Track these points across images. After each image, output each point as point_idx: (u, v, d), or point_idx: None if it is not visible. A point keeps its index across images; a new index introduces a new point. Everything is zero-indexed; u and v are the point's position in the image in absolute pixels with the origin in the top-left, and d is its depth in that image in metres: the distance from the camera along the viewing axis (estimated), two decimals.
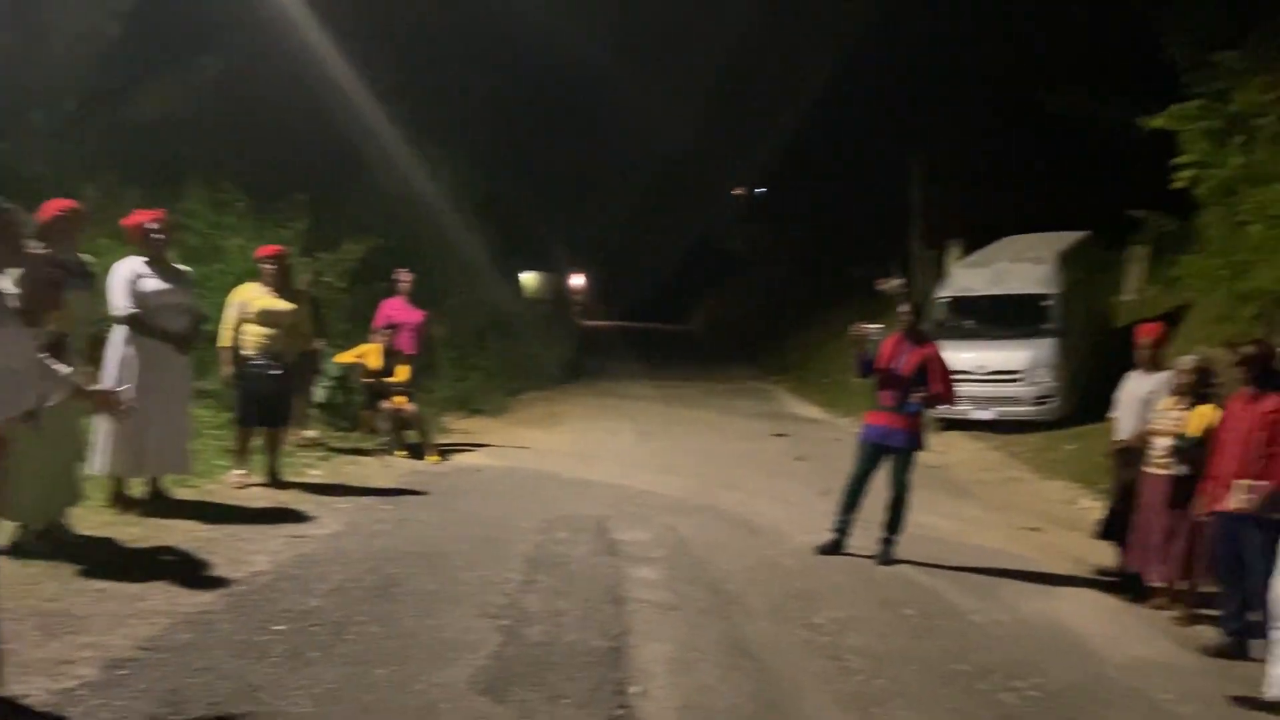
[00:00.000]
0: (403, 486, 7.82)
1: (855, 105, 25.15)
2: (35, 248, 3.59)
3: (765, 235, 39.11)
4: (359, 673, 3.91)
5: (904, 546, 6.66)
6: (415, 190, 17.87)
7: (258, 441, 7.40)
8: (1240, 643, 5.26)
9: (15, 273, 3.40)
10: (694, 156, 37.38)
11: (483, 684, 3.92)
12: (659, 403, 16.20)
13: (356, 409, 9.95)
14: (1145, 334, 6.67)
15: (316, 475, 7.98)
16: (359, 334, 10.73)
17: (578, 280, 43.35)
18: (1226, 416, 5.46)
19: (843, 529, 6.75)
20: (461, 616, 4.72)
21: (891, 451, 6.64)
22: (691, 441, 12.07)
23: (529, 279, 31.04)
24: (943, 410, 7.15)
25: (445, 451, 9.56)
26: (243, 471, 7.22)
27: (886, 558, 6.58)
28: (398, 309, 9.79)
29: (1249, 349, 5.39)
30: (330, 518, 6.50)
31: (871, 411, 6.80)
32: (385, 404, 9.29)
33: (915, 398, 6.56)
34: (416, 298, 9.95)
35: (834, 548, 6.70)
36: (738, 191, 46.85)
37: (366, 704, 3.64)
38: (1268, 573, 4.67)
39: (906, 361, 6.58)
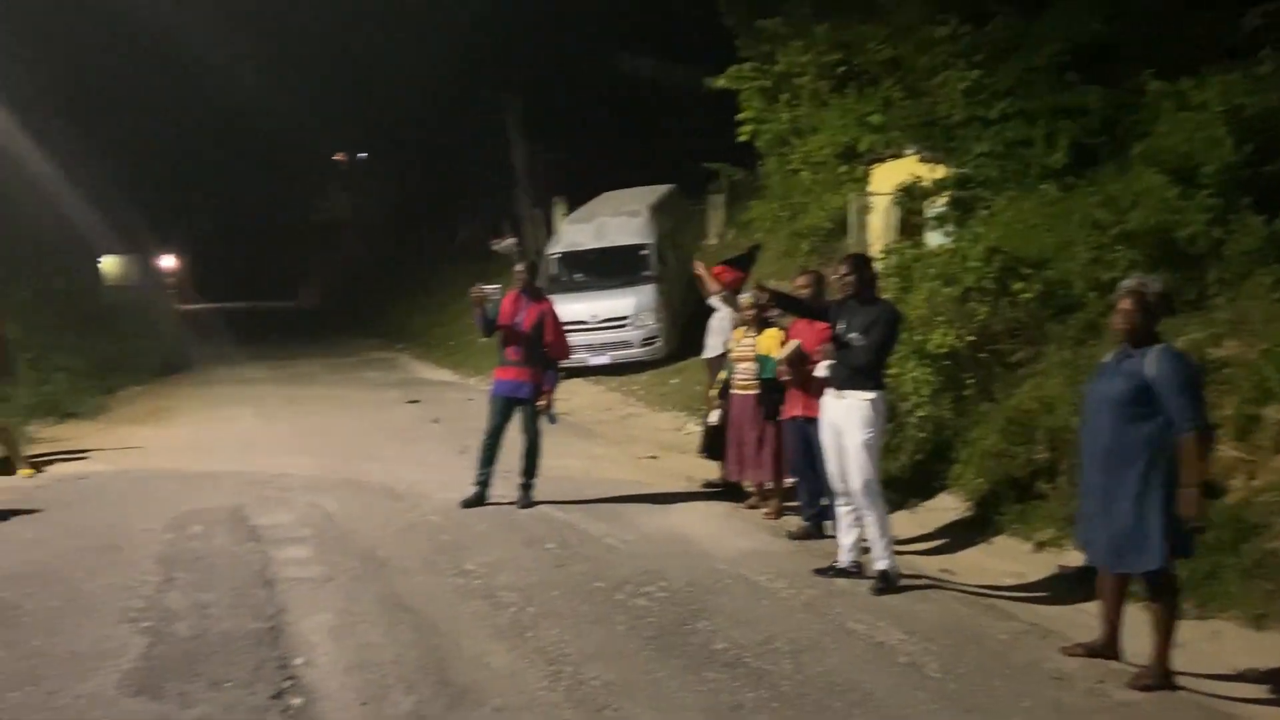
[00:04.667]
0: None
1: (454, 66, 25.23)
2: None
3: (370, 201, 38.25)
4: None
5: (541, 489, 7.20)
6: None
7: None
8: (817, 525, 6.40)
9: None
10: (288, 124, 35.42)
11: (134, 686, 3.82)
12: (279, 383, 15.54)
13: None
14: (721, 276, 7.82)
15: None
16: None
17: (169, 262, 39.51)
18: (793, 338, 6.54)
19: (484, 481, 7.14)
20: (96, 627, 4.48)
21: (521, 403, 7.11)
22: (321, 419, 11.83)
23: (111, 263, 27.84)
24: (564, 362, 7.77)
25: (39, 463, 8.62)
26: None
27: (526, 501, 7.08)
28: None
29: (796, 282, 6.48)
30: None
31: (499, 367, 7.22)
32: None
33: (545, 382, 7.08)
34: None
35: (477, 500, 7.08)
36: (339, 157, 45.18)
37: None
38: None
39: (526, 317, 7.06)
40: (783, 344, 6.47)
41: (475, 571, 5.50)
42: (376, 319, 25.94)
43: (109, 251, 26.89)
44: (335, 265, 41.09)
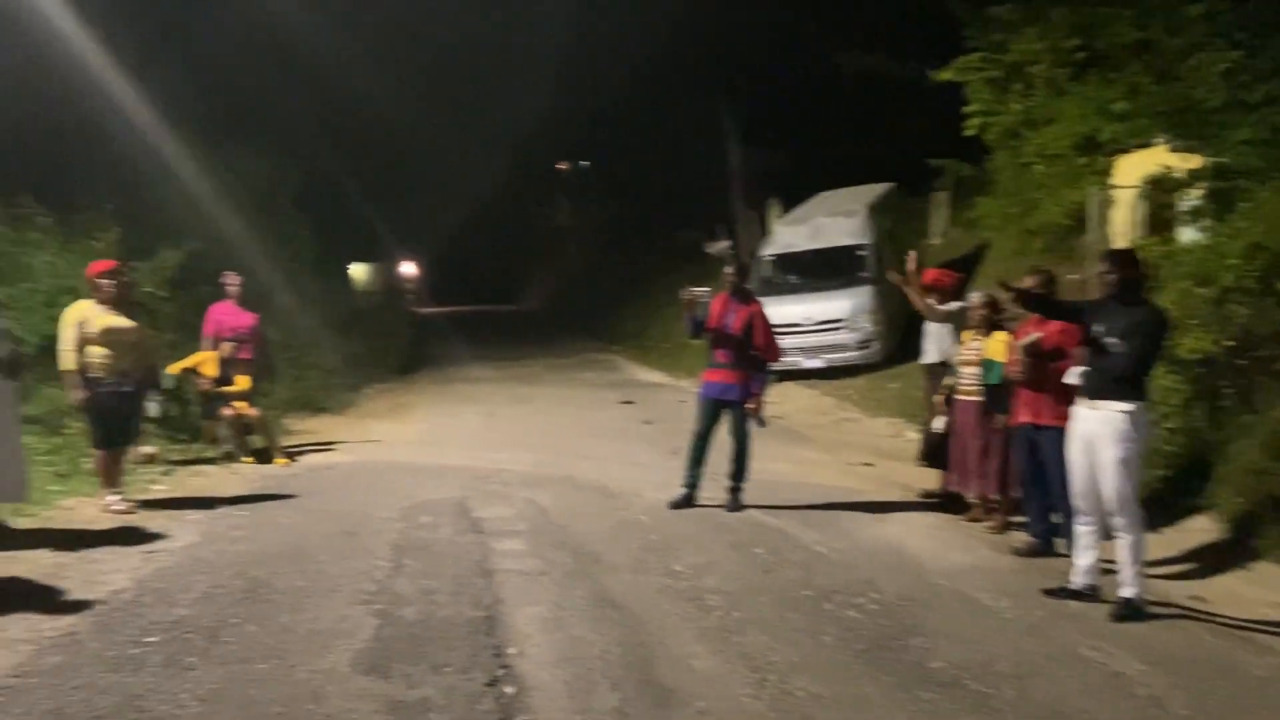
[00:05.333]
0: (254, 492, 7.72)
1: (670, 73, 25.63)
2: None
3: (592, 207, 39.48)
4: (240, 670, 3.99)
5: (750, 493, 7.15)
6: (229, 189, 17.21)
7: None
8: (1047, 542, 5.98)
9: None
10: (516, 133, 37.21)
11: (365, 665, 4.08)
12: (503, 383, 16.33)
13: (195, 420, 9.66)
14: (927, 278, 7.49)
15: (161, 490, 7.76)
16: (188, 343, 10.38)
17: (408, 268, 42.52)
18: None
19: (692, 483, 7.17)
20: (334, 607, 4.83)
21: (729, 405, 7.08)
22: (539, 417, 12.31)
23: (358, 270, 30.29)
24: (778, 364, 7.70)
25: (293, 453, 9.44)
26: (118, 495, 6.97)
27: (734, 505, 7.04)
28: (228, 313, 9.54)
29: (1024, 282, 6.07)
30: (184, 530, 6.39)
31: (708, 369, 7.22)
32: (225, 411, 9.08)
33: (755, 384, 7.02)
34: (245, 300, 9.71)
35: (685, 502, 7.12)
36: (562, 166, 46.97)
37: (252, 697, 3.73)
38: (1065, 477, 5.34)
39: (735, 320, 7.02)
40: (1011, 348, 6.10)
41: (682, 573, 5.52)
42: (594, 321, 26.77)
43: (357, 259, 29.25)
44: (557, 270, 42.78)
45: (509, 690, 3.87)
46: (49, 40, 13.06)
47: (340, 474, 8.62)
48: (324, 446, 10.15)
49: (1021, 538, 6.19)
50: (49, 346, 8.15)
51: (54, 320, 8.64)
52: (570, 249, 41.81)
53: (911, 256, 7.64)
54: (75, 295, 8.42)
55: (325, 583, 5.23)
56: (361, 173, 27.23)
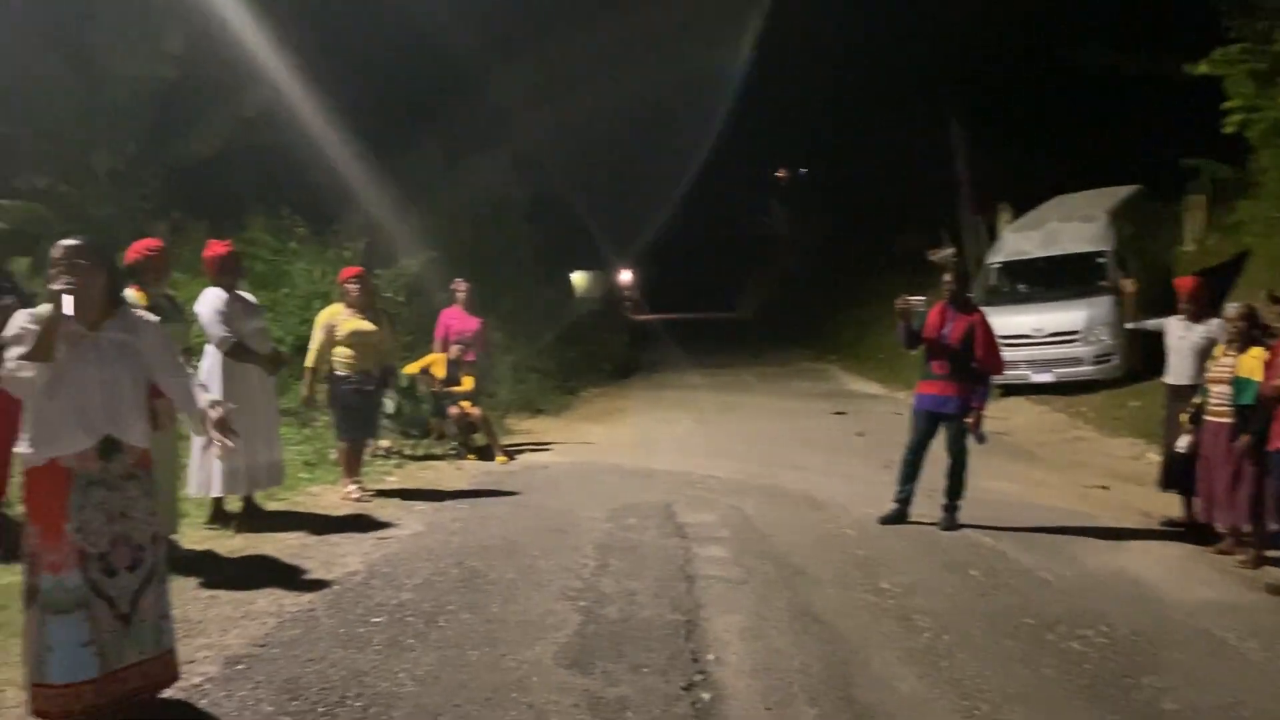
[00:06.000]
0: (475, 487, 8.15)
1: (890, 76, 24.93)
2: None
3: (808, 215, 39.00)
4: (454, 655, 4.20)
5: (967, 511, 6.80)
6: (463, 201, 18.31)
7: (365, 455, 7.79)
8: None
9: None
10: (732, 142, 37.32)
11: (568, 659, 4.19)
12: (714, 390, 16.42)
13: (425, 417, 10.32)
14: (1182, 288, 6.83)
15: (394, 481, 8.35)
16: (421, 345, 11.11)
17: (626, 276, 43.63)
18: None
19: (905, 499, 6.90)
20: (542, 600, 5.00)
21: (946, 419, 6.77)
22: (749, 425, 12.27)
23: (579, 278, 31.39)
24: (1001, 377, 7.28)
25: (512, 452, 9.89)
26: (357, 484, 7.59)
27: (949, 523, 6.72)
28: (456, 318, 10.13)
29: None
30: (411, 519, 6.84)
31: (923, 381, 6.93)
32: (452, 410, 9.63)
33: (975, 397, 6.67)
34: (472, 305, 10.28)
35: (897, 517, 6.86)
36: (780, 174, 46.75)
37: (463, 681, 3.92)
38: None
39: (953, 330, 6.70)
40: (1268, 364, 5.49)
41: (890, 591, 5.32)
42: (809, 330, 26.40)
43: (579, 267, 30.31)
44: (771, 278, 42.58)
45: (705, 696, 3.86)
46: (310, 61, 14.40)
47: (554, 474, 8.94)
48: (540, 447, 10.56)
49: (1277, 574, 5.55)
50: (303, 346, 8.97)
51: (307, 323, 9.50)
52: (786, 257, 41.50)
53: (1126, 282, 7.11)
54: (326, 300, 9.22)
55: (535, 577, 5.43)
56: (585, 183, 28.22)
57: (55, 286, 3.32)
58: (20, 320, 3.36)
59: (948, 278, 6.94)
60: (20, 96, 13.08)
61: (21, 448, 3.36)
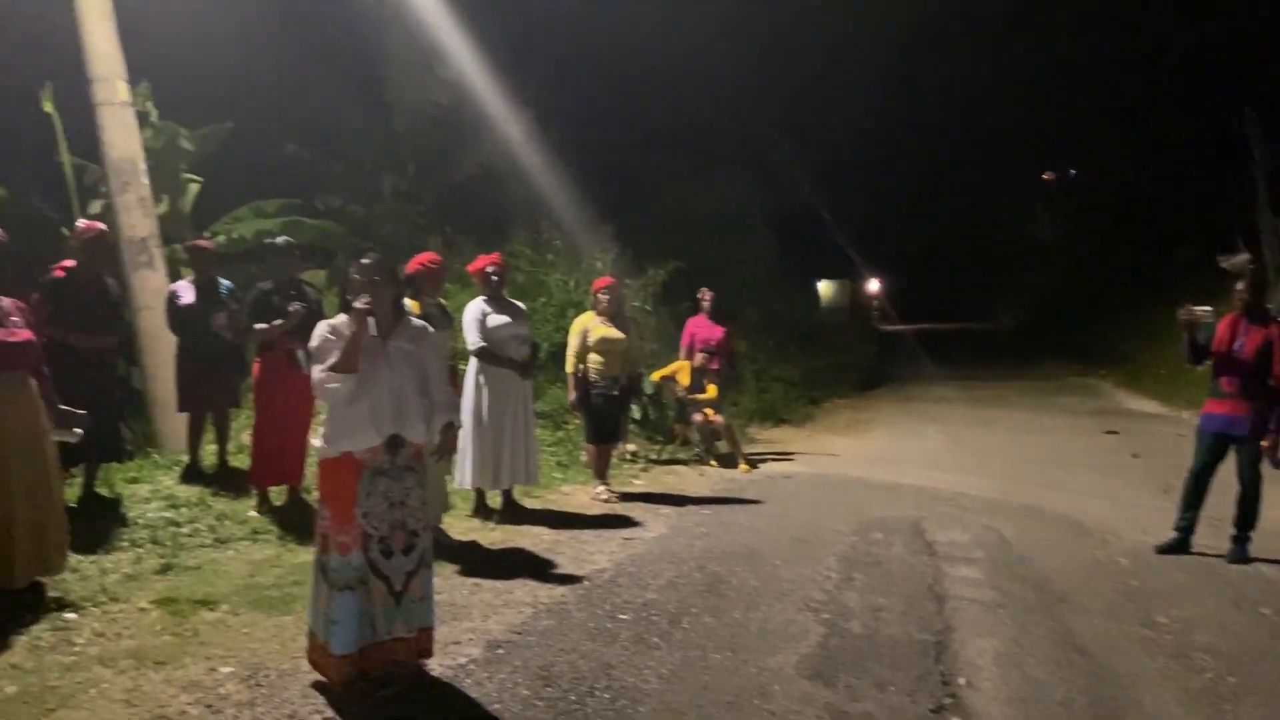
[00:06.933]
0: (718, 494, 8.23)
1: (1171, 60, 22.74)
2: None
3: (1079, 218, 36.29)
4: (697, 657, 4.27)
5: (1259, 543, 6.11)
6: (707, 210, 18.59)
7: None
8: None
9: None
10: (994, 144, 35.42)
11: (810, 670, 4.14)
12: (968, 404, 15.67)
13: (669, 423, 10.55)
14: None
15: (639, 485, 8.60)
16: (666, 353, 11.37)
17: (873, 285, 42.55)
18: None
19: (1186, 527, 6.30)
20: (784, 610, 4.97)
21: (1237, 441, 6.10)
22: (1006, 441, 11.61)
23: (825, 287, 30.98)
24: None
25: (755, 460, 9.90)
26: (605, 486, 7.92)
27: (1238, 556, 6.06)
28: (701, 326, 10.29)
29: None
30: (656, 522, 7.02)
31: (1211, 399, 6.29)
32: (696, 417, 9.79)
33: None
34: (717, 314, 10.40)
35: (1177, 546, 6.27)
36: (1047, 176, 43.86)
37: (706, 683, 3.97)
38: None
39: (1247, 343, 6.03)
40: None
41: (1166, 625, 4.86)
42: (1077, 343, 24.60)
43: (824, 276, 29.92)
44: (1034, 286, 40.00)
45: None
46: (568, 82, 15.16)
47: (797, 484, 8.87)
48: (783, 456, 10.51)
49: None
50: (556, 352, 9.45)
51: (561, 330, 9.99)
52: (1051, 264, 38.85)
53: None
54: (580, 309, 9.66)
55: (776, 586, 5.42)
56: (832, 190, 27.86)
57: (358, 305, 3.73)
58: (322, 331, 3.80)
59: (1241, 286, 6.24)
60: (326, 128, 14.66)
61: (318, 442, 3.77)
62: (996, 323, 41.64)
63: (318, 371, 3.75)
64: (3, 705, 3.58)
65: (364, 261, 3.87)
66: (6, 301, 4.58)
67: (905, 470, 9.51)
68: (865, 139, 31.31)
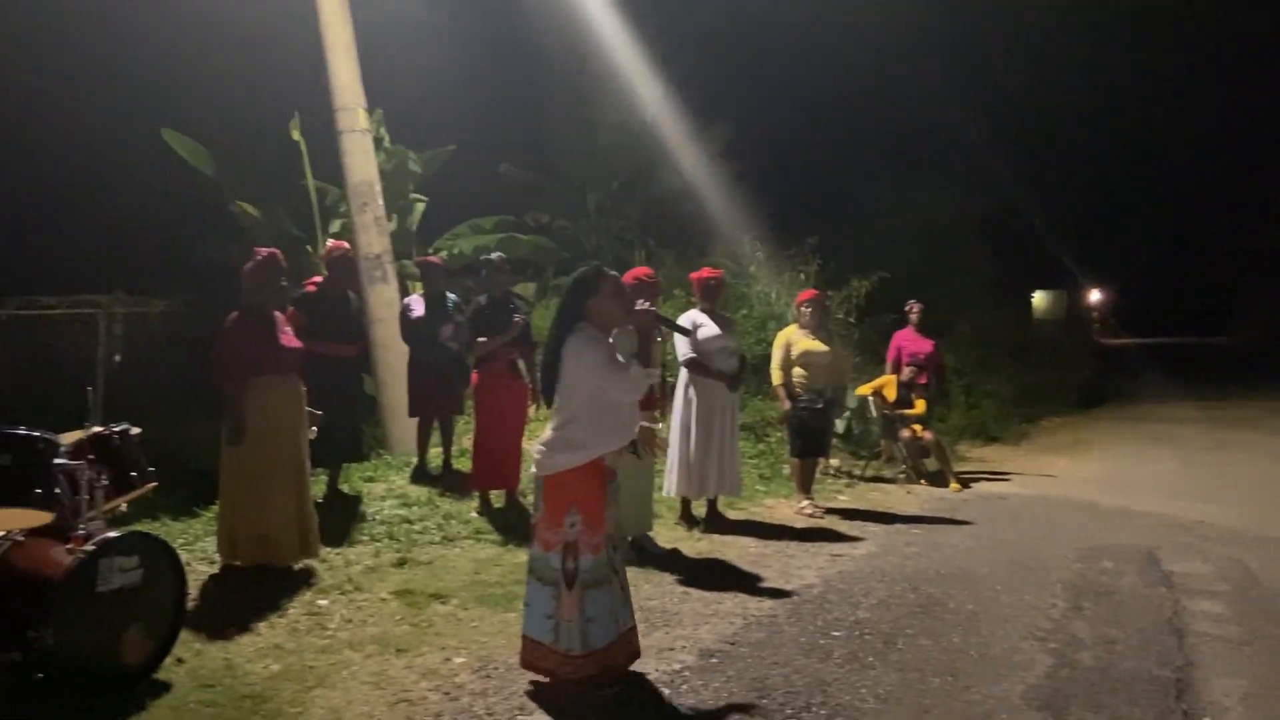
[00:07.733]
0: (927, 513, 7.98)
1: None
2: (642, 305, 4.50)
3: None
4: (914, 679, 4.16)
5: None
6: (913, 220, 18.08)
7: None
8: None
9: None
10: (1232, 139, 32.44)
11: (1039, 701, 3.95)
12: (1204, 425, 14.44)
13: (875, 439, 10.32)
14: None
15: (844, 501, 8.46)
16: (870, 367, 11.14)
17: (1094, 295, 39.93)
18: None
19: None
20: (1006, 636, 4.77)
21: None
22: (1253, 468, 10.63)
23: (1040, 298, 29.38)
24: None
25: (967, 480, 9.52)
26: (809, 500, 7.88)
27: None
28: (909, 339, 10.01)
29: None
30: (864, 539, 6.90)
31: None
32: (904, 433, 9.53)
33: None
34: (926, 327, 10.09)
35: None
36: None
37: (925, 707, 3.87)
38: None
39: None
40: None
41: None
42: None
43: (1039, 286, 28.38)
44: None
45: None
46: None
47: (1013, 505, 8.47)
48: (997, 476, 10.06)
49: None
50: (758, 365, 9.45)
51: (763, 343, 10.00)
52: None
53: None
54: (782, 322, 9.64)
55: (997, 610, 5.20)
56: (1048, 196, 26.41)
57: (646, 306, 4.45)
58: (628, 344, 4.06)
59: None
60: (538, 148, 15.34)
61: (566, 451, 3.88)
62: (1235, 336, 38.11)
63: (638, 367, 4.02)
64: (270, 681, 3.97)
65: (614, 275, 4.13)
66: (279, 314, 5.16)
67: (1135, 495, 8.88)
68: (1087, 137, 29.39)
